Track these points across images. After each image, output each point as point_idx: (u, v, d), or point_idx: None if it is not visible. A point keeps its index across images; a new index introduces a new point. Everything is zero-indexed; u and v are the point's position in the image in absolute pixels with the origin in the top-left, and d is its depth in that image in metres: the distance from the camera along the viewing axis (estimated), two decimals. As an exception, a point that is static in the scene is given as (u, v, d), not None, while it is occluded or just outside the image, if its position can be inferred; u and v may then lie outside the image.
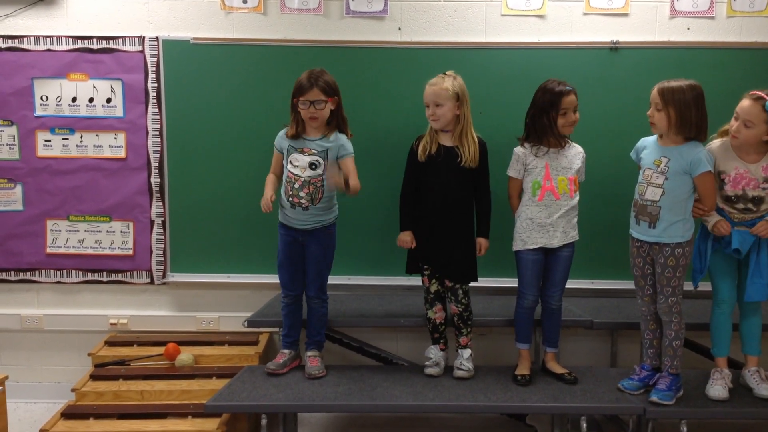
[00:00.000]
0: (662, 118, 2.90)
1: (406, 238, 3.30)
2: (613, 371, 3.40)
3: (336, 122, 3.25)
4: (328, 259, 3.34)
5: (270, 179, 3.31)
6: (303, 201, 3.20)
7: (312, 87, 3.12)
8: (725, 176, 2.99)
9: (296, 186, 3.19)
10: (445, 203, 3.23)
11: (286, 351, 3.36)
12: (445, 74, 3.20)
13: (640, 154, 3.07)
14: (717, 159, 3.00)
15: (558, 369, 3.26)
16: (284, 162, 3.25)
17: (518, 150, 3.24)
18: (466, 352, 3.32)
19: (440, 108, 3.16)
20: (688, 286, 3.04)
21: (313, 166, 3.19)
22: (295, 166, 3.20)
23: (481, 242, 3.29)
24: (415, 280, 3.52)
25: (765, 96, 2.82)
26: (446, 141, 3.23)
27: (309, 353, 3.34)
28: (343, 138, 3.26)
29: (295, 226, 3.25)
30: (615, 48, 3.71)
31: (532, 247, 3.19)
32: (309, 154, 3.20)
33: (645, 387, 3.08)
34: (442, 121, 3.18)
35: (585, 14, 3.75)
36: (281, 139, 3.28)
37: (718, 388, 3.01)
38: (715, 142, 3.04)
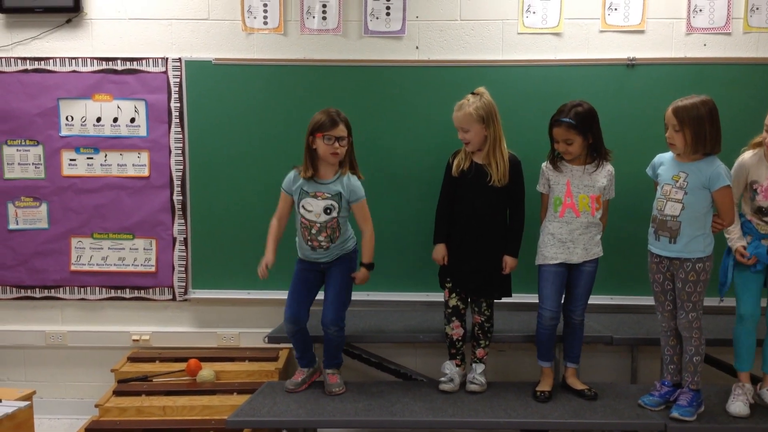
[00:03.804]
0: (680, 139, 2.90)
1: (438, 256, 3.32)
2: (634, 387, 3.39)
3: (348, 163, 3.25)
4: (350, 286, 3.31)
5: (274, 231, 3.29)
6: (323, 243, 3.22)
7: (338, 123, 3.13)
8: (758, 186, 2.99)
9: (314, 231, 3.21)
10: (474, 220, 3.24)
11: (305, 369, 3.37)
12: (473, 93, 3.20)
13: (657, 170, 3.08)
14: (750, 170, 3.00)
15: (578, 385, 3.26)
16: (296, 206, 3.24)
17: (543, 165, 3.27)
18: (480, 367, 3.32)
19: (468, 133, 3.18)
20: (708, 301, 3.03)
21: (328, 211, 3.20)
22: (309, 211, 3.20)
23: (507, 260, 3.27)
24: (434, 296, 3.55)
25: None
26: (479, 158, 3.25)
27: (328, 371, 3.35)
28: (354, 180, 3.25)
29: (317, 260, 3.27)
30: (631, 65, 3.73)
31: (552, 262, 3.20)
32: (323, 199, 3.19)
33: (666, 403, 3.07)
34: (473, 144, 3.20)
35: (601, 31, 3.78)
36: (292, 182, 3.24)
37: (739, 404, 2.99)
38: (747, 154, 3.05)
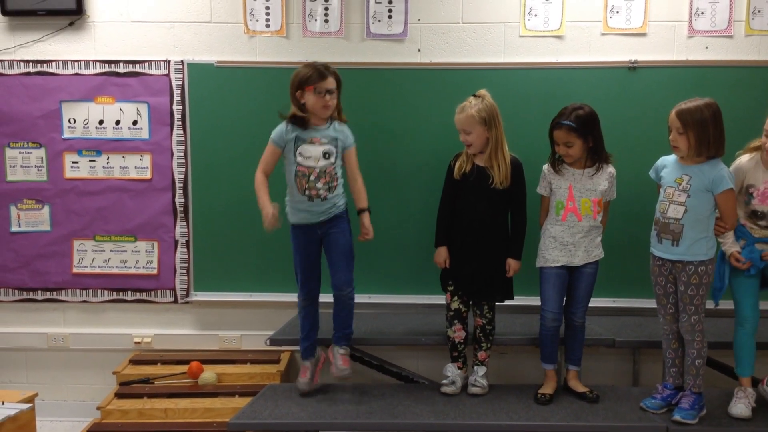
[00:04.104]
0: (684, 141, 2.90)
1: (440, 259, 3.32)
2: (636, 390, 3.39)
3: (336, 112, 3.24)
4: (351, 244, 3.27)
5: (262, 183, 3.21)
6: (321, 192, 3.16)
7: (327, 75, 3.11)
8: (754, 190, 3.00)
9: (312, 178, 3.15)
10: (476, 223, 3.24)
11: (307, 363, 3.33)
12: (474, 95, 3.19)
13: (660, 173, 3.08)
14: (746, 174, 3.00)
15: (580, 387, 3.26)
16: (290, 156, 3.17)
17: (544, 168, 3.27)
18: (482, 369, 3.32)
19: (470, 135, 3.18)
20: (709, 304, 3.04)
21: (327, 155, 3.16)
22: (307, 158, 3.15)
23: (510, 263, 3.27)
24: (436, 299, 3.55)
25: None
26: (480, 161, 3.25)
27: (341, 351, 3.29)
28: (345, 127, 3.25)
29: (313, 221, 3.20)
30: (633, 67, 3.73)
31: (554, 264, 3.21)
32: (320, 144, 3.16)
33: (667, 406, 3.07)
34: (474, 146, 3.21)
35: (603, 34, 3.78)
36: (284, 132, 3.17)
37: (741, 406, 2.99)
38: (744, 157, 3.05)
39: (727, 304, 3.11)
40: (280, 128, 3.21)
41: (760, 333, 3.09)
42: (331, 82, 3.12)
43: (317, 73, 3.10)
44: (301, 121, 3.15)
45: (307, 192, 3.17)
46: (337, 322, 3.32)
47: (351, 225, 3.31)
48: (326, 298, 3.33)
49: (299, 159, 3.17)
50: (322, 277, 3.32)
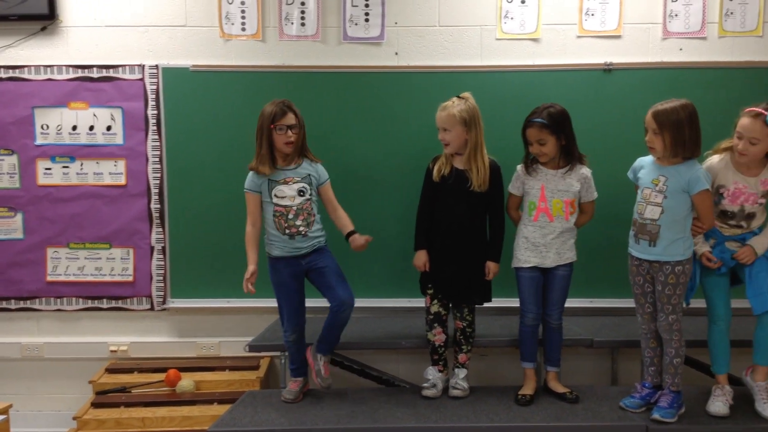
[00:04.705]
0: (660, 142, 2.92)
1: (419, 262, 3.31)
2: (615, 389, 3.41)
3: (302, 151, 3.25)
4: (340, 268, 3.28)
5: (250, 239, 3.23)
6: (301, 228, 3.19)
7: (287, 112, 3.14)
8: (724, 191, 3.03)
9: (290, 217, 3.18)
10: (455, 226, 3.24)
11: (300, 379, 3.33)
12: (458, 97, 3.21)
13: (638, 174, 3.10)
14: (717, 174, 3.04)
15: (559, 388, 3.27)
16: (266, 198, 3.19)
17: (518, 168, 3.28)
18: (462, 372, 3.33)
19: (448, 133, 3.18)
20: (682, 303, 3.07)
21: (302, 192, 3.19)
22: (282, 198, 3.18)
23: (490, 265, 3.28)
24: (416, 302, 3.54)
25: (763, 111, 2.86)
26: (459, 164, 3.25)
27: (324, 358, 3.28)
28: (317, 164, 3.28)
29: (296, 254, 3.21)
30: (609, 69, 3.76)
31: (525, 265, 3.22)
32: (294, 182, 3.19)
33: (646, 405, 3.09)
34: (452, 146, 3.21)
35: (579, 37, 3.81)
36: (255, 178, 3.21)
37: (719, 404, 3.02)
38: (715, 158, 3.08)
39: (701, 303, 3.14)
40: (251, 175, 3.23)
41: (734, 330, 3.12)
42: (291, 118, 3.15)
43: (276, 112, 3.13)
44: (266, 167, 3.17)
45: (287, 231, 3.19)
46: (330, 335, 3.29)
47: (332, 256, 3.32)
48: (313, 303, 3.32)
49: (275, 200, 3.19)
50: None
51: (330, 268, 3.24)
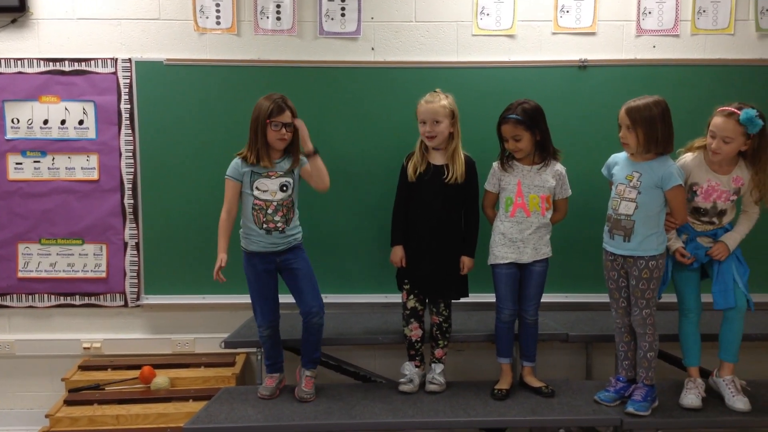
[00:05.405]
0: (633, 138, 2.95)
1: (396, 258, 3.31)
2: (590, 383, 3.44)
3: (292, 147, 3.22)
4: (313, 272, 3.27)
5: (223, 226, 3.18)
6: (279, 224, 3.17)
7: (284, 109, 3.12)
8: (697, 188, 3.07)
9: (269, 212, 3.16)
10: (433, 221, 3.24)
11: (276, 375, 3.32)
12: (436, 91, 3.22)
13: (612, 170, 3.13)
14: (690, 172, 3.07)
15: (535, 383, 3.29)
16: (247, 189, 3.16)
17: (494, 165, 3.30)
18: (439, 367, 3.34)
19: (438, 125, 3.18)
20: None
21: (284, 188, 3.17)
22: (264, 191, 3.16)
23: (464, 260, 3.29)
24: (393, 297, 3.55)
25: (736, 110, 2.90)
26: (436, 159, 3.25)
27: (308, 373, 3.28)
28: (301, 158, 3.24)
29: (271, 250, 3.19)
30: (583, 66, 3.79)
31: (503, 261, 3.24)
32: (277, 177, 3.17)
33: (621, 398, 3.12)
34: (438, 138, 3.20)
35: (554, 33, 3.83)
36: (239, 167, 3.17)
37: (691, 397, 3.06)
38: (688, 156, 3.12)
39: (673, 297, 3.18)
40: (235, 162, 3.19)
41: (705, 324, 3.17)
42: (287, 116, 3.13)
43: (273, 108, 3.10)
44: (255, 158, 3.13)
45: (265, 226, 3.16)
46: (306, 347, 3.29)
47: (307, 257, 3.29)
48: (287, 299, 3.31)
49: (256, 193, 3.16)
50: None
51: (303, 272, 3.23)
